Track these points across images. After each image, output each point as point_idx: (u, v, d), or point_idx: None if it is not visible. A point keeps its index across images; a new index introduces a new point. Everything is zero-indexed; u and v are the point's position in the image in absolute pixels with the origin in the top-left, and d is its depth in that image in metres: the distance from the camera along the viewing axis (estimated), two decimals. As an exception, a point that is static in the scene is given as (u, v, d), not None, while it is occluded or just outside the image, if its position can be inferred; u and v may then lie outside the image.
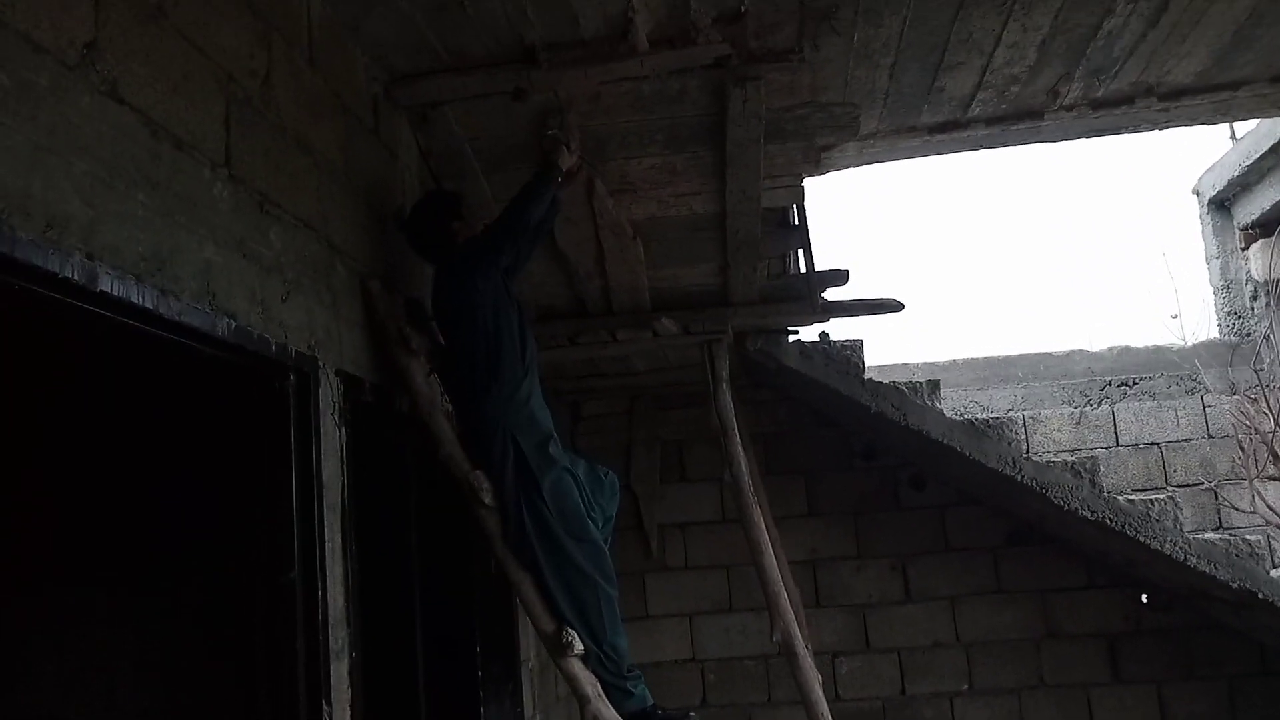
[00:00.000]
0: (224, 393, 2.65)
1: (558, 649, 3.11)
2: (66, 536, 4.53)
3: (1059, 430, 6.51)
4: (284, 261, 2.52)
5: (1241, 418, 6.24)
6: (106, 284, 1.80)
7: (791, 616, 4.58)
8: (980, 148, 4.25)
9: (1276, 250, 6.46)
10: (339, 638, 2.63)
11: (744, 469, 4.72)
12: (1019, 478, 4.93)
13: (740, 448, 4.76)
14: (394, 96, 3.34)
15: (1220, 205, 6.86)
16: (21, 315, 1.79)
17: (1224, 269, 6.89)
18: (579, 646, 3.09)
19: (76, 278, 1.72)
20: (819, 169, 4.05)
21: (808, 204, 4.50)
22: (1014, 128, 4.02)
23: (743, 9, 3.03)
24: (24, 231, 1.60)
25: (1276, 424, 6.01)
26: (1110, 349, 6.76)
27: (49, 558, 4.53)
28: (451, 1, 2.88)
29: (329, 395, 2.71)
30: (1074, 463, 5.02)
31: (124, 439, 4.54)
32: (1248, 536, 5.00)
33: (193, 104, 2.15)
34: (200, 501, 4.35)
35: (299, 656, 2.50)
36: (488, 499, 3.10)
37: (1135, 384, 6.56)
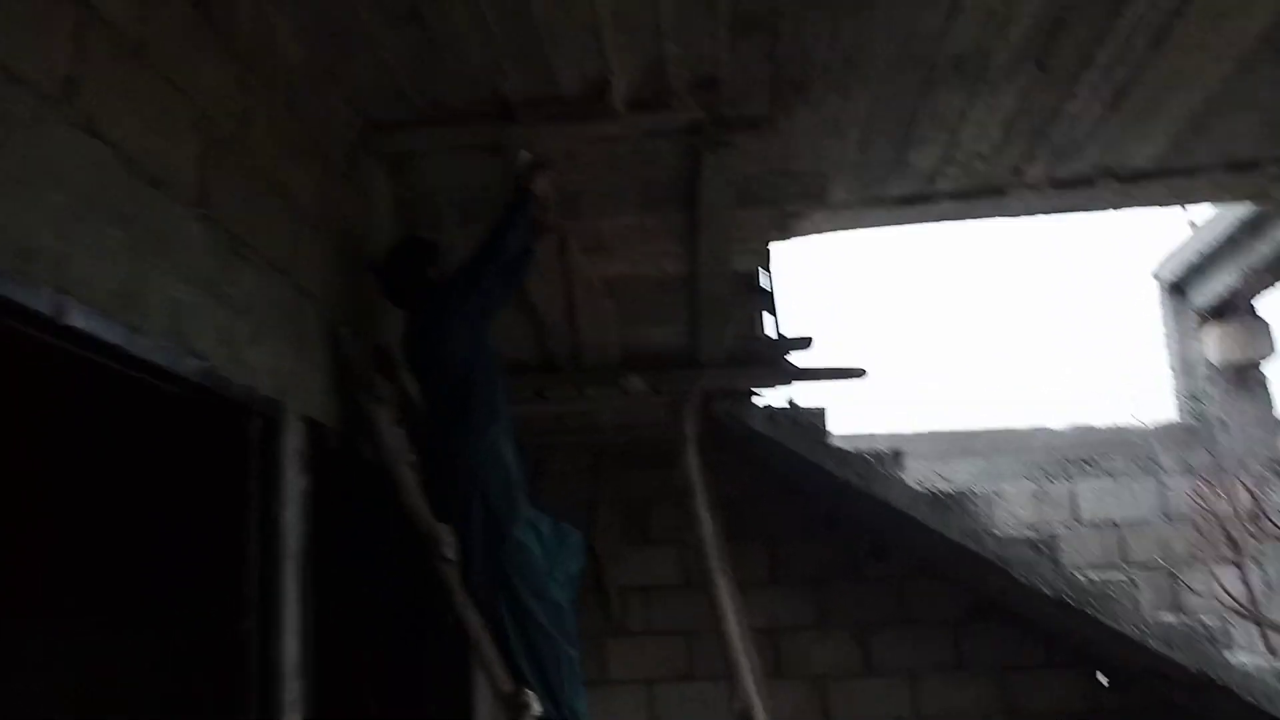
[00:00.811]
0: (188, 434, 2.63)
1: (515, 709, 3.04)
2: (5, 570, 4.40)
3: (1020, 506, 6.55)
4: (253, 303, 2.52)
5: (1198, 500, 6.31)
6: (75, 318, 1.79)
7: (752, 686, 4.52)
8: (946, 219, 4.35)
9: (1229, 336, 6.62)
10: (293, 689, 2.57)
11: (708, 532, 4.70)
12: (981, 552, 4.94)
13: (704, 510, 4.75)
14: (370, 144, 3.36)
15: (1178, 289, 7.03)
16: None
17: (1181, 352, 7.03)
18: (536, 708, 3.02)
19: (45, 310, 1.71)
20: (787, 234, 4.12)
21: (775, 268, 4.57)
22: (978, 202, 4.12)
23: (718, 77, 3.11)
24: (-7, 262, 1.59)
25: (1232, 507, 6.08)
26: (1071, 427, 6.85)
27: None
28: (430, 53, 2.93)
29: (293, 441, 2.69)
30: (1035, 539, 5.04)
31: (86, 476, 4.46)
32: (1204, 619, 5.03)
33: (169, 142, 2.16)
34: (157, 543, 4.27)
35: (252, 708, 2.45)
36: (450, 553, 3.06)
37: (1095, 462, 6.63)
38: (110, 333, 1.90)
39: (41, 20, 1.75)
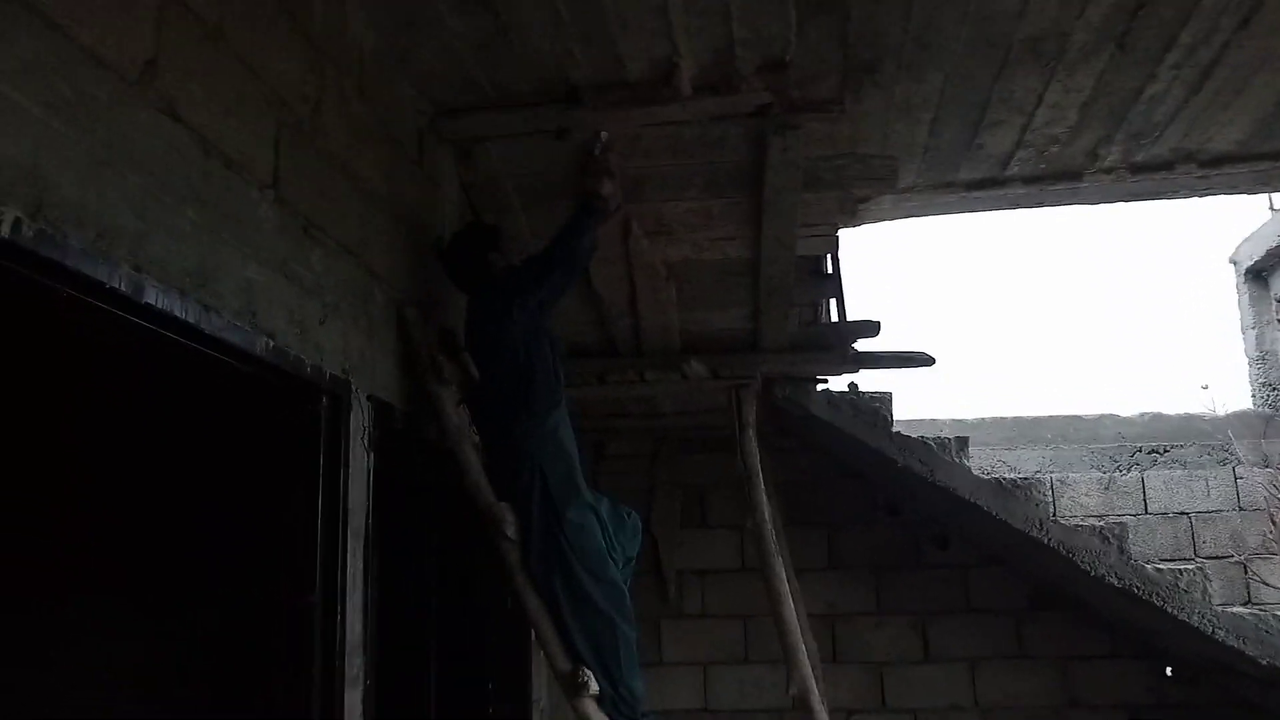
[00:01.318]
0: (256, 411, 2.67)
1: (573, 688, 3.07)
2: (77, 543, 4.55)
3: (1087, 495, 6.42)
4: (324, 285, 2.55)
5: (1273, 491, 6.13)
6: (151, 296, 1.83)
7: (809, 671, 4.50)
8: (1017, 206, 4.26)
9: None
10: (355, 664, 2.62)
11: (766, 517, 4.68)
12: (1045, 540, 4.85)
13: (764, 496, 4.73)
14: (439, 129, 3.39)
15: (1257, 275, 6.81)
16: (66, 319, 1.81)
17: (1259, 340, 6.82)
18: (594, 687, 3.05)
19: (123, 288, 1.76)
20: (854, 220, 4.07)
21: (841, 253, 4.51)
22: (1052, 188, 4.02)
23: (786, 59, 3.06)
24: (76, 240, 1.63)
25: (1309, 500, 5.91)
26: (1141, 415, 6.68)
27: (53, 568, 4.56)
28: (499, 39, 2.94)
29: (360, 420, 2.73)
30: (1102, 528, 4.94)
31: (148, 448, 4.58)
32: (1277, 612, 4.89)
33: (245, 125, 2.20)
34: (223, 517, 4.37)
35: (314, 681, 2.49)
36: (510, 531, 3.09)
37: (1166, 451, 6.47)
38: (185, 311, 1.94)
39: (124, 4, 1.79)
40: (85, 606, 4.57)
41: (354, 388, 2.69)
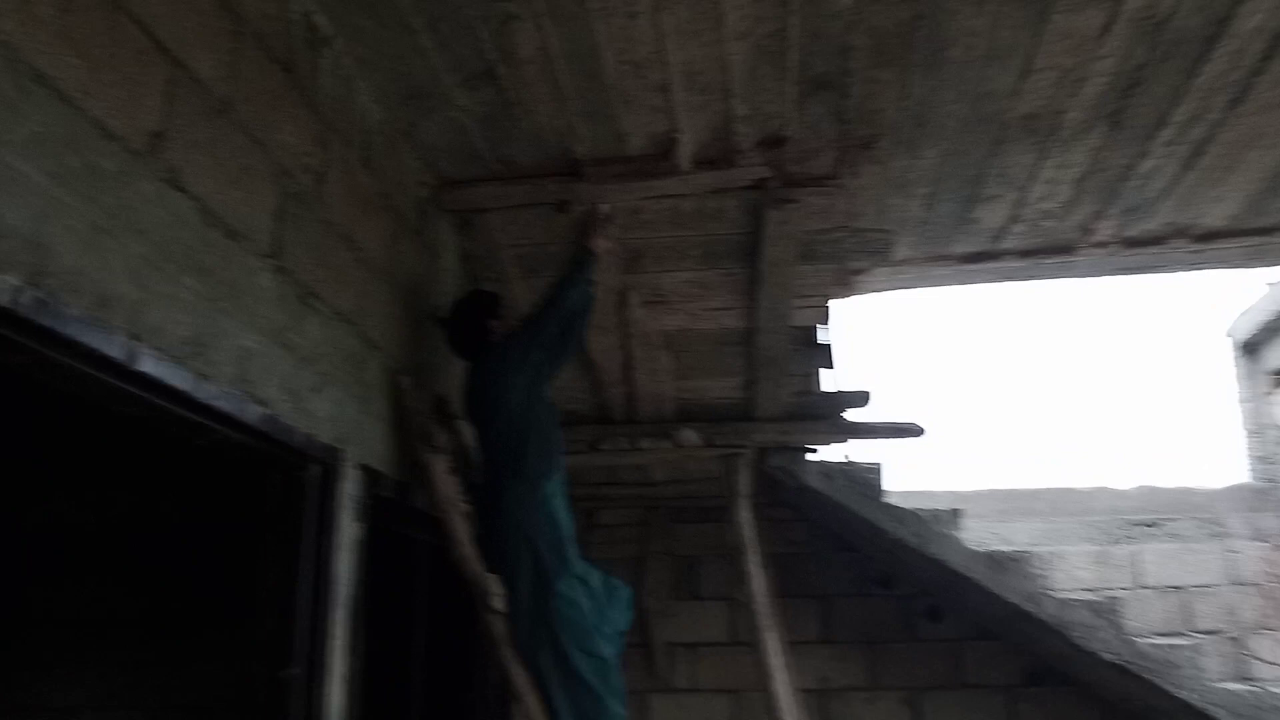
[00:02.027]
0: (247, 479, 2.64)
1: (560, 766, 3.00)
2: (61, 610, 4.50)
3: (1080, 568, 6.37)
4: (319, 353, 2.54)
5: (1267, 566, 6.10)
6: (147, 365, 1.82)
7: (801, 747, 4.42)
8: (1011, 279, 4.28)
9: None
10: (337, 737, 2.55)
11: (759, 589, 4.62)
12: (1039, 614, 4.80)
13: (756, 567, 4.68)
14: (441, 200, 3.42)
15: (1251, 350, 6.86)
16: (62, 386, 1.80)
17: (1254, 413, 6.84)
18: (581, 765, 2.97)
19: (118, 356, 1.74)
20: (849, 291, 4.09)
21: (834, 323, 4.53)
22: (1045, 261, 4.05)
23: (785, 135, 3.11)
24: (73, 308, 1.61)
25: (1304, 574, 5.88)
26: (1136, 488, 6.67)
27: (36, 635, 4.50)
28: (504, 114, 2.98)
29: (349, 489, 2.70)
30: (1096, 602, 4.89)
31: (137, 515, 4.55)
32: (1273, 689, 4.83)
33: (248, 196, 2.20)
34: (208, 585, 4.32)
35: (296, 755, 2.42)
36: (498, 604, 3.04)
37: (1160, 525, 6.44)
38: (178, 379, 1.93)
39: (135, 78, 1.80)
40: (71, 674, 4.51)
41: (344, 456, 2.66)
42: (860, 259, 3.83)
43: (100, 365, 1.74)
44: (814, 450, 5.15)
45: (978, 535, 6.25)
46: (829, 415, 4.77)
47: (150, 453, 4.14)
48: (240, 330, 2.17)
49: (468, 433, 3.31)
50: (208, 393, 2.03)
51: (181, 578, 4.43)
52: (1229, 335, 7.00)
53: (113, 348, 1.73)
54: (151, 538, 4.52)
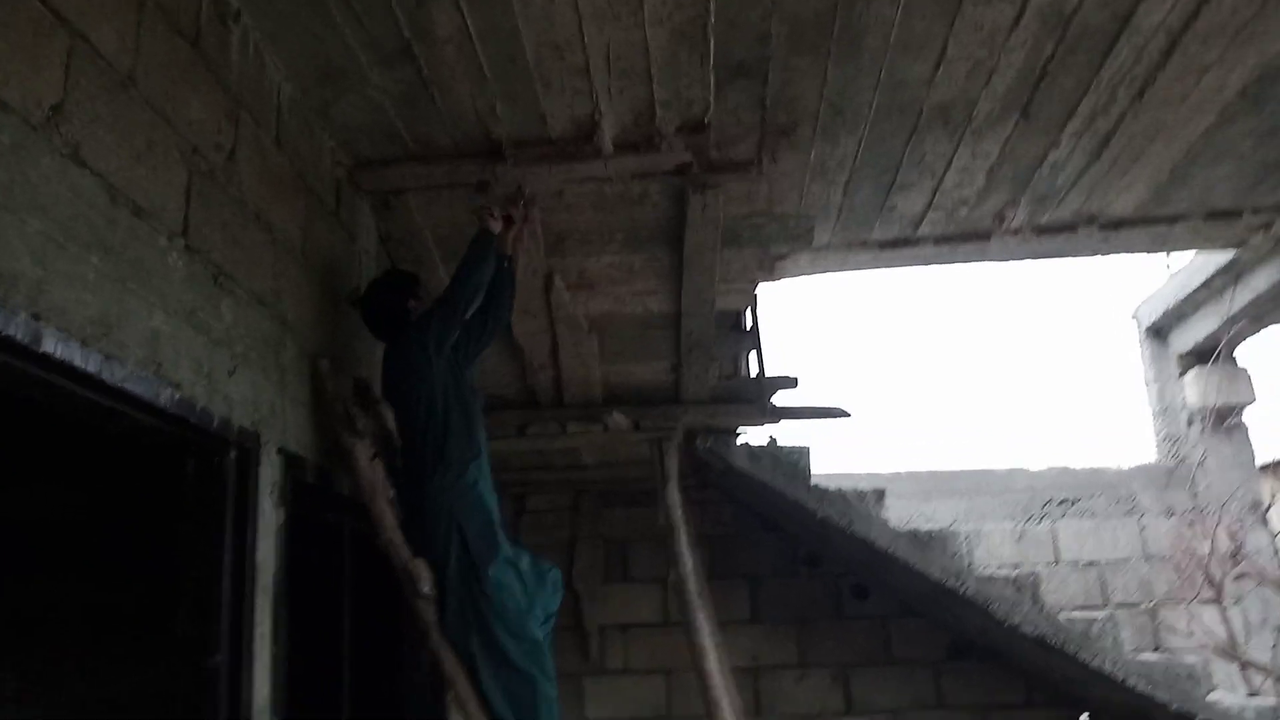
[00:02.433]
0: (162, 464, 2.60)
1: (490, 748, 3.00)
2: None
3: (1001, 545, 6.56)
4: (234, 335, 2.50)
5: (1178, 541, 6.34)
6: (50, 345, 1.77)
7: (730, 725, 4.48)
8: (929, 264, 4.38)
9: (1209, 379, 6.67)
10: (262, 725, 2.52)
11: (689, 570, 4.68)
12: (962, 590, 4.93)
13: (686, 548, 4.73)
14: (358, 181, 3.37)
15: (1157, 333, 7.09)
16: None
17: (1161, 394, 7.08)
18: (512, 748, 2.99)
19: (20, 337, 1.70)
20: (773, 275, 4.15)
21: (760, 308, 4.58)
22: (962, 247, 4.16)
23: (706, 121, 3.13)
24: (-32, 288, 1.57)
25: (1212, 548, 6.11)
26: (1050, 468, 6.88)
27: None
28: (422, 94, 2.95)
29: (270, 474, 2.66)
30: (1016, 578, 5.04)
31: (48, 503, 4.42)
32: (1186, 658, 5.02)
33: (154, 173, 2.15)
34: (127, 574, 4.22)
35: (220, 746, 2.40)
36: (426, 588, 3.02)
37: (1075, 503, 6.65)
38: (86, 361, 1.88)
39: (31, 49, 1.75)
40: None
41: (263, 441, 2.63)
42: (782, 244, 3.88)
43: (2, 347, 1.70)
44: (742, 433, 5.22)
45: (902, 515, 6.39)
46: (756, 398, 4.83)
47: (65, 444, 4.03)
48: (150, 311, 2.13)
49: (390, 417, 3.28)
50: (117, 374, 1.99)
51: (102, 570, 4.33)
52: (1134, 319, 7.24)
53: (14, 328, 1.68)
54: (69, 530, 4.41)
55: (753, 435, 5.23)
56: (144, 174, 2.11)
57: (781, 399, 4.87)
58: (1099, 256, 4.42)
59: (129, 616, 4.18)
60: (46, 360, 1.79)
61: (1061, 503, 6.66)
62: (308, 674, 3.33)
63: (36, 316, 1.74)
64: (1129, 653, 4.97)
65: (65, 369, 1.85)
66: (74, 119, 1.87)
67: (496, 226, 3.26)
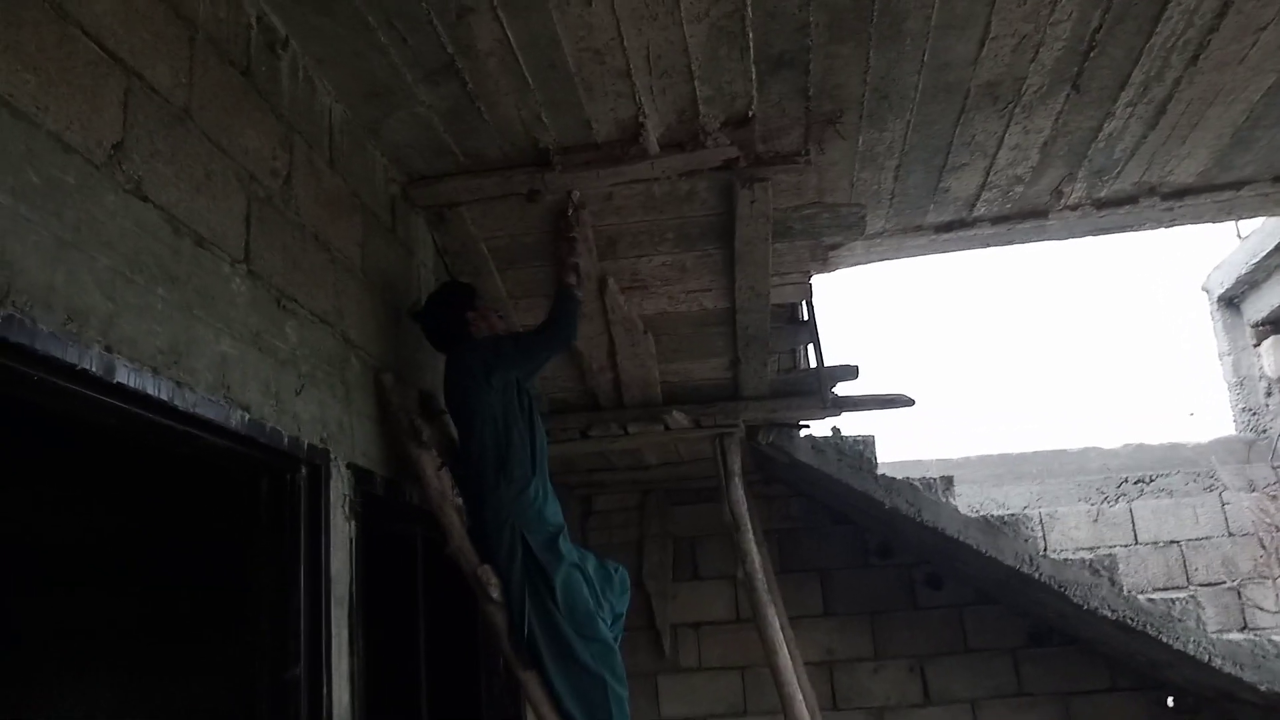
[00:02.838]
0: (235, 485, 2.67)
1: (564, 750, 3.04)
2: (62, 621, 4.54)
3: (1076, 528, 6.43)
4: (299, 355, 2.56)
5: (1262, 515, 6.15)
6: (123, 376, 1.84)
7: None
8: (987, 246, 4.31)
9: (1288, 348, 6.47)
10: (342, 735, 2.58)
11: (758, 566, 4.67)
12: (1036, 576, 4.85)
13: (754, 544, 4.72)
14: (412, 197, 3.43)
15: (1230, 302, 6.90)
16: (40, 402, 1.82)
17: (1236, 365, 6.88)
18: (585, 749, 3.01)
19: (94, 369, 1.76)
20: (827, 266, 4.11)
21: (817, 299, 4.56)
22: (1019, 226, 4.08)
23: (750, 114, 3.12)
24: (45, 324, 1.64)
25: (1298, 522, 5.93)
26: (1125, 446, 6.72)
27: (39, 645, 4.53)
28: (468, 108, 2.99)
29: (340, 488, 2.72)
30: (1092, 561, 4.94)
31: (128, 527, 4.58)
32: (1274, 637, 4.88)
33: (214, 202, 2.22)
34: (205, 592, 4.35)
35: (301, 755, 2.45)
36: (495, 594, 3.07)
37: (1152, 481, 6.50)
38: (158, 389, 1.95)
39: (90, 91, 1.82)
40: (71, 685, 4.55)
41: (332, 456, 2.69)
42: (835, 234, 3.85)
43: (76, 379, 1.76)
44: (806, 426, 5.20)
45: (973, 500, 6.32)
46: (817, 390, 4.80)
47: (143, 465, 4.17)
48: (217, 336, 2.19)
49: (453, 427, 3.34)
50: (188, 400, 2.05)
51: (179, 586, 4.47)
52: (1205, 289, 7.04)
53: (88, 361, 1.75)
54: (148, 548, 4.56)
55: (816, 427, 5.21)
56: (204, 204, 2.17)
57: (843, 389, 4.84)
58: (1163, 228, 4.30)
59: (207, 632, 4.31)
60: (120, 390, 1.86)
61: (1138, 481, 6.50)
62: (386, 683, 3.40)
63: (109, 349, 1.81)
64: (1213, 633, 4.85)
65: (138, 398, 1.91)
66: (134, 155, 1.93)
67: (581, 292, 3.38)
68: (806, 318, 4.68)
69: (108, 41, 1.87)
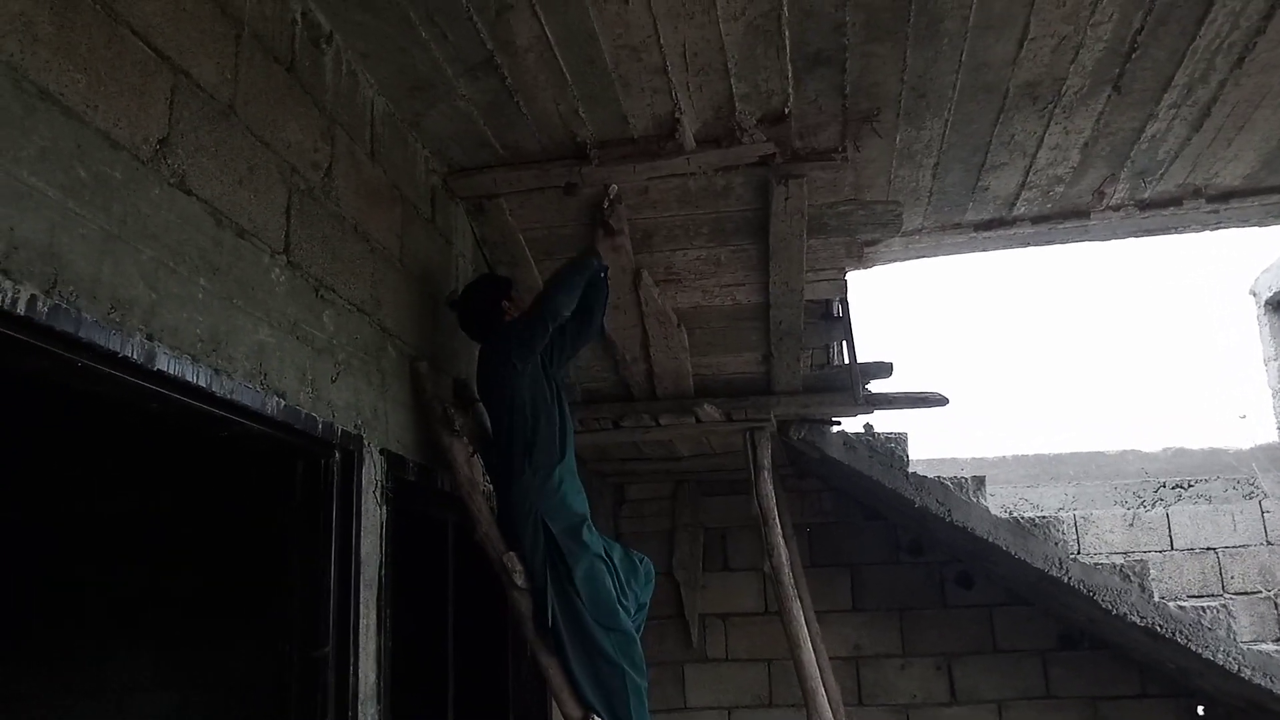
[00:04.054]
0: (271, 468, 2.74)
1: (584, 735, 3.09)
2: (101, 599, 4.69)
3: (1111, 531, 6.36)
4: (336, 343, 2.62)
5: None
6: (163, 363, 1.90)
7: (829, 715, 4.48)
8: (1027, 245, 4.27)
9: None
10: (369, 713, 2.65)
11: (784, 560, 4.68)
12: (1065, 579, 4.82)
13: (781, 538, 4.73)
14: (451, 188, 3.48)
15: (1277, 306, 6.75)
16: (86, 388, 1.89)
17: (1283, 371, 6.74)
18: (604, 735, 3.06)
19: (136, 357, 1.83)
20: (863, 263, 4.11)
21: (852, 296, 4.54)
22: (1060, 226, 4.04)
23: (786, 111, 3.13)
24: (89, 313, 1.70)
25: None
26: (1165, 450, 6.63)
27: (78, 624, 4.70)
28: (508, 102, 3.03)
29: (372, 473, 2.79)
30: (1123, 566, 4.89)
31: (165, 507, 4.72)
32: (1312, 650, 4.81)
33: (256, 195, 2.28)
34: (239, 571, 4.47)
35: (329, 731, 2.53)
36: (520, 580, 3.12)
37: (1190, 486, 6.40)
38: (197, 375, 2.01)
39: (138, 88, 1.88)
40: (106, 660, 4.70)
41: (366, 442, 2.75)
42: (871, 231, 3.84)
43: (120, 366, 1.83)
44: (837, 422, 5.19)
45: (1007, 501, 6.28)
46: (849, 387, 4.79)
47: (187, 446, 4.29)
48: (256, 325, 2.25)
49: (485, 415, 3.39)
50: (226, 386, 2.12)
51: (218, 563, 4.59)
52: (1252, 293, 6.90)
53: (130, 349, 1.81)
54: (194, 527, 4.69)
55: (849, 423, 5.20)
56: (247, 197, 2.23)
57: (877, 386, 4.83)
58: (1208, 231, 4.24)
59: (242, 608, 4.43)
60: (160, 376, 1.92)
61: (1175, 486, 6.42)
62: (415, 663, 3.48)
63: (150, 337, 1.87)
64: (1245, 643, 4.78)
65: (177, 384, 1.98)
66: (179, 150, 1.99)
67: (599, 262, 3.41)
68: (840, 314, 4.66)
69: (156, 40, 1.93)
